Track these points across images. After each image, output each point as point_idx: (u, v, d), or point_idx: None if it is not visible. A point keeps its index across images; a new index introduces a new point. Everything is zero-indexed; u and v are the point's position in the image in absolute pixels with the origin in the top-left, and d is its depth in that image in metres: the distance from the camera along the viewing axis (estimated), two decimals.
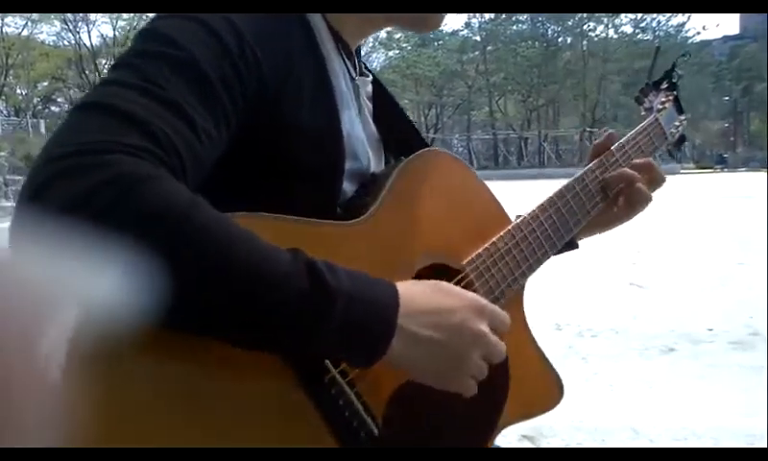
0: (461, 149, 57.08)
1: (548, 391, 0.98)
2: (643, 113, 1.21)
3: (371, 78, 0.97)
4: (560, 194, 1.02)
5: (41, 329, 0.20)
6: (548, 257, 0.98)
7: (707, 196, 18.52)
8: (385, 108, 0.98)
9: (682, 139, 1.26)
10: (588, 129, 49.86)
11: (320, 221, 0.76)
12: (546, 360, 0.98)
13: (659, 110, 1.19)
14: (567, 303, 5.81)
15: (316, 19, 0.85)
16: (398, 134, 0.98)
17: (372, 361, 0.71)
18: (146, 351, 0.62)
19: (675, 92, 1.25)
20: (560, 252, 1.07)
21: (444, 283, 0.80)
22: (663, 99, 1.22)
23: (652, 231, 10.25)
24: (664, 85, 1.25)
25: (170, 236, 0.58)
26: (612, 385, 3.70)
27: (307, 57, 0.81)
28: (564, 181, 1.05)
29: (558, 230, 0.99)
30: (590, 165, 1.07)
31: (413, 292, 0.74)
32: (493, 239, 0.92)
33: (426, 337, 0.73)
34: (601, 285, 6.58)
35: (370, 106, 0.95)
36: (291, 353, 0.70)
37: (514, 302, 0.93)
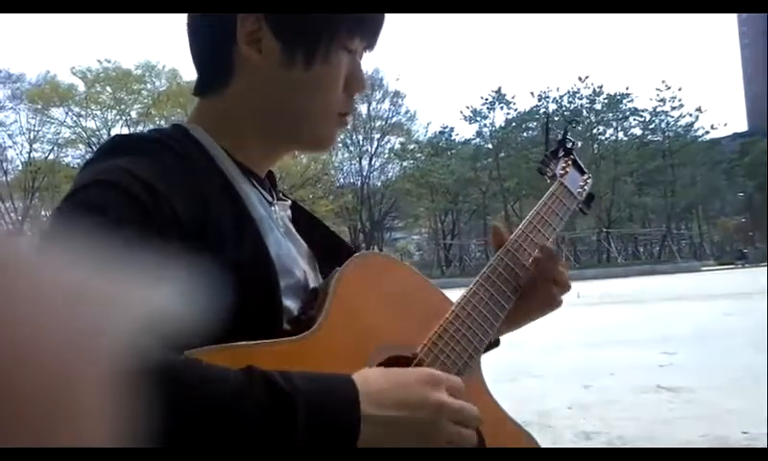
0: (479, 253, 57.22)
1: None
2: (548, 181, 1.27)
3: (289, 202, 1.01)
4: (494, 265, 1.05)
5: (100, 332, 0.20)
6: (497, 326, 1.00)
7: (729, 292, 18.25)
8: (309, 227, 1.03)
9: (590, 197, 1.32)
10: (606, 229, 50.02)
11: (271, 341, 0.78)
12: (519, 426, 0.99)
13: (561, 175, 1.26)
14: (595, 409, 5.65)
15: (222, 158, 0.89)
16: (326, 248, 1.02)
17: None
18: None
19: (572, 156, 1.31)
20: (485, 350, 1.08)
21: (397, 367, 0.82)
22: (563, 164, 1.29)
23: (676, 332, 10.06)
24: (561, 153, 1.31)
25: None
26: None
27: (221, 195, 0.84)
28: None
29: (500, 297, 1.02)
30: (513, 236, 1.10)
31: (368, 378, 0.76)
32: (440, 322, 0.95)
33: (391, 418, 0.75)
34: (629, 390, 6.40)
35: (292, 227, 0.99)
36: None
37: (474, 378, 0.96)
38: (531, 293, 1.08)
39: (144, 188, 0.76)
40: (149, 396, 0.56)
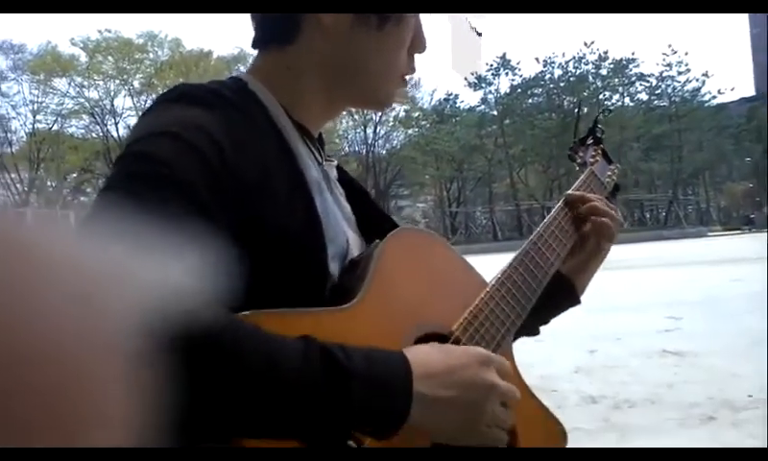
0: (484, 221, 57.29)
1: (553, 436, 1.02)
2: (578, 169, 1.30)
3: (335, 162, 1.02)
4: (527, 249, 1.08)
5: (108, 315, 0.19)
6: (529, 309, 1.03)
7: (736, 257, 18.24)
8: (351, 191, 1.03)
9: (616, 187, 1.35)
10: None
11: (317, 309, 0.80)
12: (546, 409, 1.02)
13: (591, 163, 1.28)
14: (600, 373, 5.68)
15: (279, 114, 0.89)
16: (367, 215, 1.03)
17: (394, 431, 0.73)
18: None
19: (601, 145, 1.34)
20: (563, 309, 1.18)
21: (446, 344, 0.85)
22: (593, 153, 1.32)
23: (682, 297, 10.07)
24: (590, 141, 1.35)
25: (179, 343, 0.57)
26: None
27: (278, 154, 0.85)
28: None
29: (532, 281, 1.05)
30: (546, 219, 1.15)
31: (421, 357, 0.78)
32: (476, 302, 0.96)
33: (443, 397, 0.77)
34: (634, 354, 6.44)
35: (341, 189, 1.00)
36: (315, 437, 0.71)
37: (506, 356, 0.98)
38: (580, 250, 1.18)
39: (211, 143, 0.76)
40: (201, 358, 0.60)
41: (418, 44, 0.97)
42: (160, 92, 0.92)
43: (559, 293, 1.15)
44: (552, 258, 1.10)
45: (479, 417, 0.80)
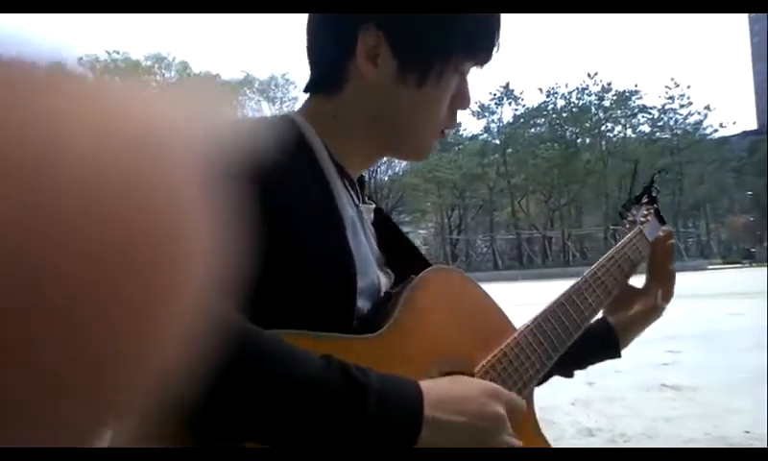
0: (485, 249, 57.23)
1: None
2: (627, 227, 1.29)
3: (374, 206, 1.04)
4: (562, 300, 1.08)
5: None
6: (555, 360, 1.03)
7: (735, 291, 18.20)
8: (388, 233, 1.06)
9: None
10: (612, 227, 49.87)
11: (344, 336, 0.82)
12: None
13: (641, 223, 1.27)
14: (598, 406, 5.66)
15: (321, 152, 0.93)
16: (403, 256, 1.05)
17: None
18: None
19: (656, 205, 1.33)
20: (601, 359, 1.20)
21: (460, 375, 0.86)
22: (645, 212, 1.31)
23: (682, 330, 10.05)
24: (645, 200, 1.34)
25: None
26: None
27: (315, 187, 0.88)
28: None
29: (563, 332, 1.05)
30: (587, 273, 1.15)
31: (432, 385, 0.80)
32: (501, 346, 0.98)
33: (451, 423, 0.78)
34: (632, 387, 6.41)
35: (373, 230, 1.02)
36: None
37: (526, 404, 0.99)
38: (629, 304, 1.22)
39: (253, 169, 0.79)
40: (233, 360, 0.63)
41: (459, 101, 0.99)
42: None
43: (604, 344, 1.18)
44: (587, 313, 1.09)
45: (488, 445, 0.82)
